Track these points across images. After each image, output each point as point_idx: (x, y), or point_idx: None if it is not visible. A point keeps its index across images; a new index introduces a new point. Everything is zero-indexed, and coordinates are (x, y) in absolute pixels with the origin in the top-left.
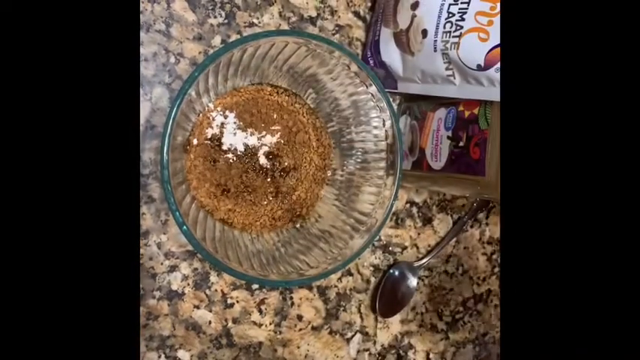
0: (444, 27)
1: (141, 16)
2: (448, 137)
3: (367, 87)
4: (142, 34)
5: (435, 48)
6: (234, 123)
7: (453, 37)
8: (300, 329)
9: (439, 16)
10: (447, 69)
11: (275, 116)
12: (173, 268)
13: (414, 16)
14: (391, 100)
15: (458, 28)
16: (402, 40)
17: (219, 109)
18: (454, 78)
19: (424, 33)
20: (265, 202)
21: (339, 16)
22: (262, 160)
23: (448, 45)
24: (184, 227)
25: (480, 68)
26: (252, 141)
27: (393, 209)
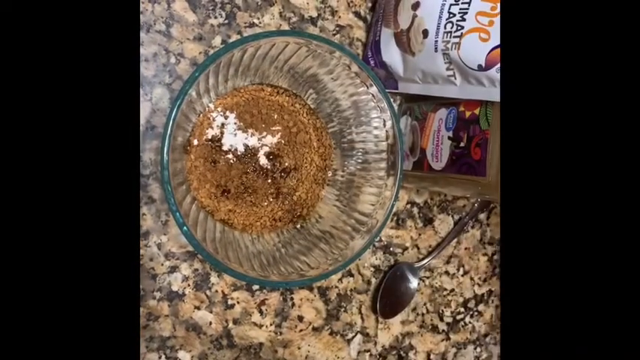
0: (445, 27)
1: (141, 16)
2: (449, 138)
3: (368, 87)
4: (143, 35)
5: (436, 48)
6: (235, 123)
7: (454, 37)
8: (301, 330)
9: (440, 17)
10: (447, 69)
11: (275, 117)
12: (173, 269)
13: (414, 17)
14: (392, 100)
15: (459, 28)
16: (403, 41)
17: (219, 109)
18: (455, 78)
19: (425, 33)
20: (266, 203)
21: (340, 17)
22: (263, 161)
23: (449, 45)
24: (185, 228)
25: (480, 68)
26: (253, 141)
27: (394, 210)
